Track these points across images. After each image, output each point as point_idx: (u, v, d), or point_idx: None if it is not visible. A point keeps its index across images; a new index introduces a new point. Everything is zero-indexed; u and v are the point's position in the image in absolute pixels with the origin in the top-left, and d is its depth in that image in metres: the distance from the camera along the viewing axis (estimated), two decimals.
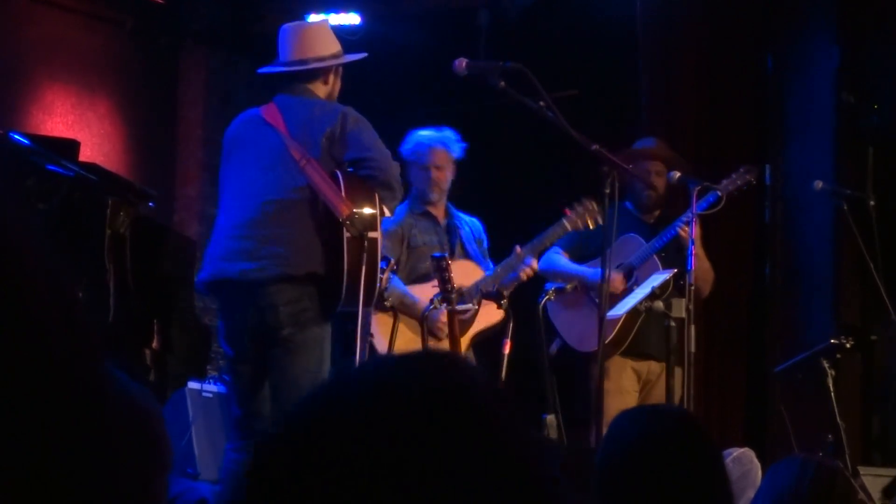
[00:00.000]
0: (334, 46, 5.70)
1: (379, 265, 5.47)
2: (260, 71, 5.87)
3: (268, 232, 5.36)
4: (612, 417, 4.95)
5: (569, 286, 6.62)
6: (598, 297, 6.71)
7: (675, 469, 2.66)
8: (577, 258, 6.93)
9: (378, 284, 5.50)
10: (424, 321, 6.24)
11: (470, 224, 6.86)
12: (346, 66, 5.83)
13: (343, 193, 5.37)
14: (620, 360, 6.74)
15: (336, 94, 5.71)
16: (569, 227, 6.49)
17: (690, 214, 6.40)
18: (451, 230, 6.77)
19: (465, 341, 6.51)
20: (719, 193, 6.51)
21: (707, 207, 6.48)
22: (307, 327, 5.36)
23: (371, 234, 5.38)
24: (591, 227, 6.47)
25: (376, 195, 5.45)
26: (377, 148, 5.47)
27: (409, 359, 1.06)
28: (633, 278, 6.69)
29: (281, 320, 5.31)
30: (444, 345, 6.25)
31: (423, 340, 6.19)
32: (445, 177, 6.69)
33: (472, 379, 1.03)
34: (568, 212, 6.50)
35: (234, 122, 5.77)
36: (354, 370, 1.07)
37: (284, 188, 5.39)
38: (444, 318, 6.21)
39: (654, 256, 6.71)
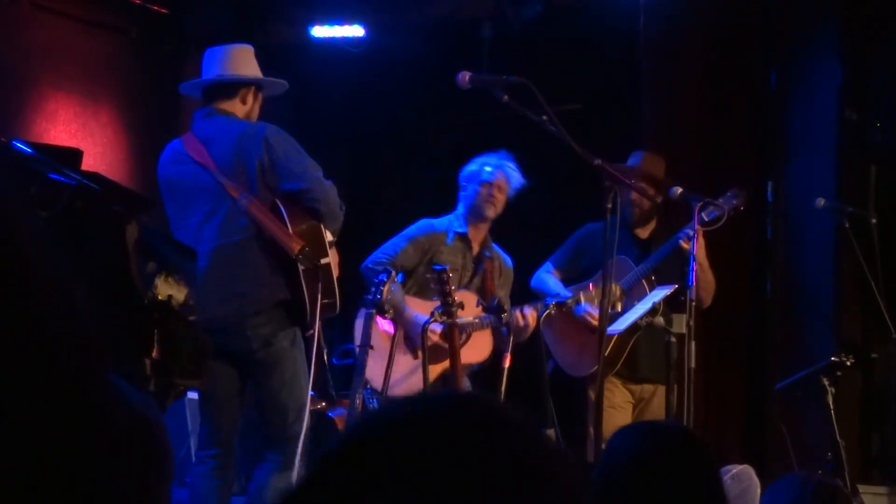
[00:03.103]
0: (255, 70, 5.76)
1: (335, 285, 5.56)
2: (181, 88, 5.94)
3: (228, 273, 5.48)
4: (606, 433, 4.96)
5: (569, 301, 6.62)
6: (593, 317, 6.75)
7: (674, 485, 2.65)
8: (569, 276, 6.93)
9: (337, 302, 5.58)
10: (424, 334, 6.24)
11: (500, 261, 6.80)
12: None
13: (289, 228, 5.44)
14: (612, 381, 6.76)
15: (255, 117, 5.74)
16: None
17: (690, 232, 6.41)
18: (481, 264, 6.73)
19: (442, 366, 6.46)
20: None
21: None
22: (277, 346, 5.51)
23: (323, 262, 5.49)
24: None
25: (320, 224, 5.54)
26: (309, 175, 5.50)
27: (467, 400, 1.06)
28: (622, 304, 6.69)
29: (252, 345, 5.48)
30: (443, 362, 6.30)
31: (423, 352, 6.19)
32: (502, 201, 6.66)
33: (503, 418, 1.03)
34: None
35: (161, 160, 5.82)
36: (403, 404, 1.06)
37: (232, 230, 5.49)
38: (435, 336, 6.24)
39: (643, 281, 6.71)
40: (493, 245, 6.83)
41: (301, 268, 5.43)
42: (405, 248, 6.59)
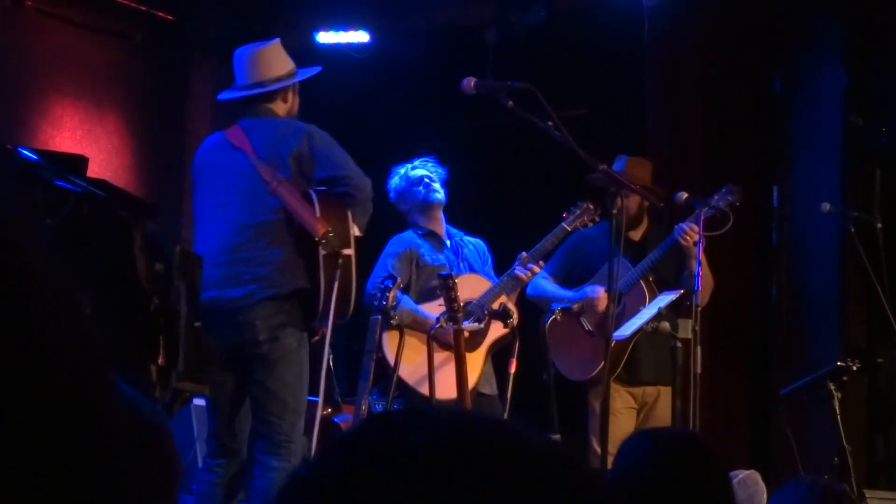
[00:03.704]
0: (288, 65, 5.77)
1: (353, 282, 5.54)
2: (219, 97, 5.91)
3: (248, 255, 5.45)
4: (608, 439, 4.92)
5: (575, 305, 6.62)
6: (590, 321, 6.73)
7: (684, 491, 2.65)
8: (565, 282, 6.92)
9: (352, 301, 5.57)
10: (432, 339, 6.25)
11: (474, 244, 6.90)
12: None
13: (317, 213, 5.43)
14: (613, 386, 6.72)
15: (296, 109, 5.79)
16: (569, 229, 6.55)
17: (685, 227, 6.44)
18: (455, 247, 6.81)
19: (481, 353, 6.53)
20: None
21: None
22: (283, 341, 5.43)
23: (345, 252, 5.46)
24: (589, 226, 6.53)
25: (349, 214, 5.49)
26: (348, 165, 5.54)
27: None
28: (621, 304, 6.63)
29: (258, 335, 5.40)
30: (476, 351, 6.34)
31: (430, 357, 6.20)
32: (438, 185, 6.73)
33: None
34: (565, 215, 6.55)
35: (200, 148, 5.84)
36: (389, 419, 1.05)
37: (259, 211, 5.47)
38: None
39: (641, 282, 6.70)
40: (460, 232, 6.91)
41: (322, 252, 5.40)
42: (394, 264, 6.65)
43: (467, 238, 6.92)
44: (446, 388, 6.18)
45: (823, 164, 8.02)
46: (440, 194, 6.74)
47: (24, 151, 6.50)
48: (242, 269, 5.44)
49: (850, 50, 8.06)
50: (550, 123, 5.20)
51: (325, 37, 9.10)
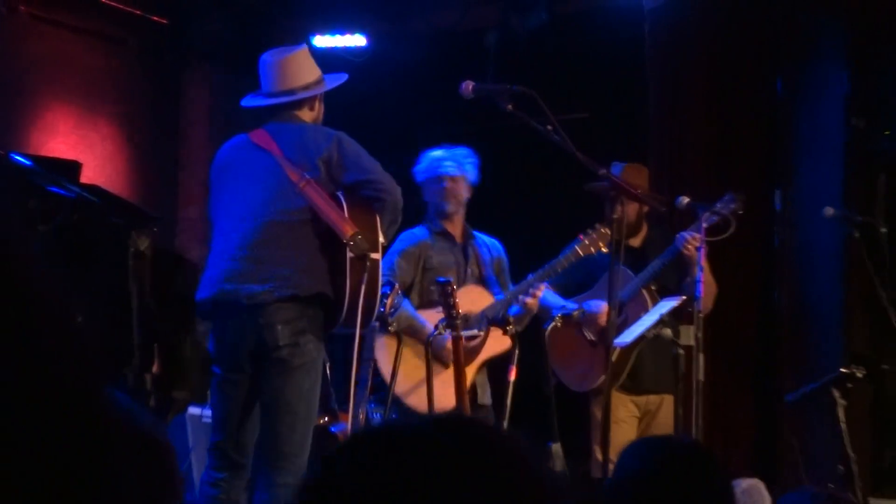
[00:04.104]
0: (315, 72, 5.70)
1: (380, 287, 5.43)
2: (244, 104, 5.79)
3: (270, 253, 5.31)
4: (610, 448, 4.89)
5: (575, 313, 6.57)
6: (591, 331, 6.69)
7: (685, 500, 2.62)
8: (564, 290, 6.87)
9: (377, 307, 5.47)
10: (430, 346, 6.18)
11: (490, 245, 6.81)
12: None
13: (346, 214, 5.33)
14: (616, 395, 6.67)
15: (321, 117, 5.72)
16: (581, 252, 6.44)
17: (687, 236, 6.40)
18: (468, 251, 6.72)
19: (472, 368, 6.45)
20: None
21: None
22: (304, 348, 5.30)
23: (373, 256, 5.36)
24: (604, 251, 6.43)
25: (377, 218, 5.41)
26: (379, 171, 5.46)
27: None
28: (623, 314, 6.58)
29: (279, 339, 5.25)
30: (450, 371, 6.19)
31: (428, 365, 6.13)
32: (459, 188, 6.64)
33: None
34: (581, 237, 6.45)
35: (223, 148, 5.72)
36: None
37: (284, 210, 5.35)
38: (449, 344, 6.15)
39: (643, 291, 6.65)
40: (475, 233, 6.83)
41: (350, 255, 5.30)
42: (398, 262, 6.57)
43: (485, 238, 6.83)
44: (441, 401, 6.12)
45: (826, 168, 7.98)
46: (453, 205, 6.66)
47: (17, 157, 6.45)
48: (262, 266, 5.29)
49: (853, 53, 8.03)
50: (550, 127, 5.16)
51: (322, 40, 9.08)
